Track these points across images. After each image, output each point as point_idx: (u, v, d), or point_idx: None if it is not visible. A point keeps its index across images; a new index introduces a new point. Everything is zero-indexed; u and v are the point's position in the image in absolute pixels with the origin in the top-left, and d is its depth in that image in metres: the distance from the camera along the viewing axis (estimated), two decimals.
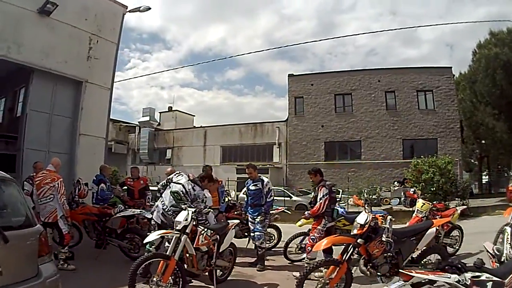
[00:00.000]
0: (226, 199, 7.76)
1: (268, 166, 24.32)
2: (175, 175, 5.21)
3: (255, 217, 6.07)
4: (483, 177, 31.75)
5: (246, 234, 6.85)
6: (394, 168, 25.39)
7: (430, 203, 6.69)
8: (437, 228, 5.09)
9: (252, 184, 6.19)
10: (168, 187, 5.11)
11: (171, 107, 29.48)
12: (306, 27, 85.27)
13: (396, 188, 22.50)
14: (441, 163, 13.16)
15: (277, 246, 7.42)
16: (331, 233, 5.90)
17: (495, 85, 18.93)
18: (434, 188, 12.63)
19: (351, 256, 4.09)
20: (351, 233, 4.29)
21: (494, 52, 19.09)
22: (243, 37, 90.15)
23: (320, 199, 5.35)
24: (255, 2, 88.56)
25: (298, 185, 24.41)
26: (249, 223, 6.25)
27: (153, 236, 4.23)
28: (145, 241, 4.40)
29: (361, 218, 4.19)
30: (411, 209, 10.31)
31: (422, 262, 4.52)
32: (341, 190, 16.71)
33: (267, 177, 6.55)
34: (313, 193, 6.03)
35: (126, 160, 27.05)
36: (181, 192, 4.93)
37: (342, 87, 25.82)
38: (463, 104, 24.07)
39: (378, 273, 4.12)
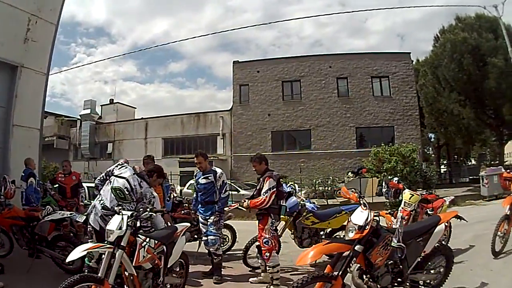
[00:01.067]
0: (172, 196, 6.66)
1: (212, 158, 23.02)
2: (117, 166, 4.12)
3: (207, 217, 5.06)
4: (441, 166, 30.54)
5: (196, 236, 5.81)
6: (347, 158, 24.17)
7: (419, 194, 5.64)
8: (446, 224, 4.01)
9: (202, 177, 5.12)
10: (108, 181, 3.99)
11: (112, 100, 28.26)
12: (251, 19, 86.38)
13: (350, 179, 21.43)
14: (405, 151, 12.40)
15: (232, 248, 6.47)
16: (300, 232, 5.37)
17: (462, 70, 18.01)
18: (397, 178, 11.89)
19: (347, 268, 3.05)
20: (345, 238, 3.20)
21: (462, 37, 18.19)
22: (187, 30, 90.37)
23: (266, 192, 4.38)
24: None
25: (244, 178, 23.14)
26: (200, 224, 5.23)
27: (75, 254, 2.99)
28: (67, 260, 3.14)
29: (359, 217, 3.14)
30: (393, 200, 9.11)
31: (426, 267, 3.68)
32: (296, 184, 15.28)
33: (220, 168, 5.37)
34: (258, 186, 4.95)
35: (68, 156, 25.70)
36: (125, 189, 3.85)
37: (290, 73, 24.57)
38: (425, 90, 23.03)
39: (378, 286, 3.21)
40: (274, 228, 4.50)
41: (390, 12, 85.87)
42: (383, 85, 25.46)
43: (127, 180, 3.87)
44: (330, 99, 24.57)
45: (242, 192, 17.30)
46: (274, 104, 24.12)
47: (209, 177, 5.05)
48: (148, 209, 3.42)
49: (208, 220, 5.01)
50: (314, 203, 5.90)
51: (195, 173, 5.41)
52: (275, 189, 4.40)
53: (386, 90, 25.41)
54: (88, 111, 25.57)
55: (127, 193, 3.82)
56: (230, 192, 18.00)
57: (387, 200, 9.01)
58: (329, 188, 16.09)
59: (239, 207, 5.04)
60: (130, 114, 27.90)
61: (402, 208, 5.19)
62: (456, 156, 29.54)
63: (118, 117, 26.44)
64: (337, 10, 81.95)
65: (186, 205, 6.51)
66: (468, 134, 23.67)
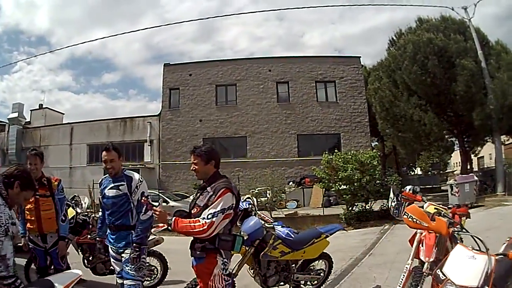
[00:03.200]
0: (72, 213, 4.94)
1: (139, 166, 21.41)
2: None
3: (120, 250, 3.37)
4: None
5: (112, 268, 3.97)
6: (287, 167, 22.57)
7: (447, 208, 4.35)
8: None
9: (110, 187, 3.42)
10: None
11: (42, 105, 26.94)
12: (187, 31, 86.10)
13: (292, 189, 19.86)
14: (364, 158, 11.01)
15: (164, 281, 4.87)
16: (265, 269, 3.80)
17: (425, 73, 16.56)
18: (353, 188, 10.73)
19: None
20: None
21: (427, 38, 16.88)
22: (123, 41, 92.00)
23: (214, 214, 2.54)
24: (141, 6, 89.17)
25: (174, 188, 21.48)
26: (112, 260, 3.50)
27: None
28: None
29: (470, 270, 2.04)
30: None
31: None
32: (254, 198, 13.47)
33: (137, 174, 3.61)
34: (192, 197, 3.46)
35: None
36: None
37: (225, 77, 23.12)
38: (380, 94, 21.65)
39: None
40: (226, 273, 2.67)
41: (328, 27, 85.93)
42: (329, 91, 24.09)
43: None
44: (269, 105, 23.11)
45: (171, 203, 15.83)
46: (206, 109, 22.60)
47: (120, 187, 3.35)
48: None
49: (123, 255, 3.33)
50: (287, 226, 4.19)
51: (100, 180, 3.65)
52: (231, 210, 2.61)
53: (332, 95, 24.02)
54: (15, 114, 24.11)
55: None
56: (160, 204, 17.15)
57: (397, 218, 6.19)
58: (274, 199, 14.35)
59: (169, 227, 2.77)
60: (58, 120, 26.46)
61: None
62: (400, 166, 27.96)
63: (46, 122, 25.08)
64: (275, 24, 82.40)
65: (93, 225, 5.03)
66: (427, 141, 22.01)
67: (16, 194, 2.45)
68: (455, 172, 33.24)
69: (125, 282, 3.27)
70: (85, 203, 5.76)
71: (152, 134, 22.33)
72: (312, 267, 4.25)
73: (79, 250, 5.07)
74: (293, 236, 3.91)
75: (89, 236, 4.96)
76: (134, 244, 3.24)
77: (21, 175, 2.49)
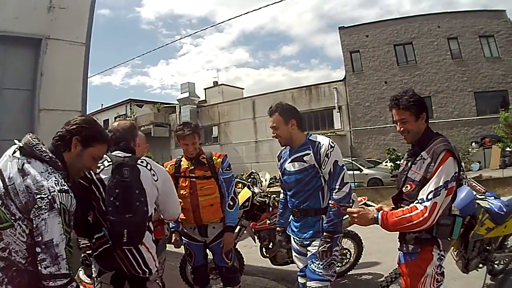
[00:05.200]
0: (247, 194, 4.16)
1: (329, 134, 20.22)
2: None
3: (305, 242, 2.54)
4: None
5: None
6: (469, 126, 21.84)
7: None
8: None
9: (291, 158, 2.55)
10: None
11: (216, 82, 25.65)
12: None
13: (475, 150, 19.19)
14: None
15: (358, 263, 4.28)
16: (470, 251, 3.06)
17: None
18: None
19: None
20: None
21: None
22: (293, 13, 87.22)
23: (434, 192, 1.79)
24: None
25: (366, 154, 20.43)
26: (294, 254, 2.68)
27: None
28: None
29: None
30: None
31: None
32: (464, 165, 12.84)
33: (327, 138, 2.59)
34: (401, 164, 2.30)
35: (169, 144, 23.50)
36: None
37: (400, 36, 22.05)
38: None
39: None
40: (441, 271, 1.94)
41: None
42: (491, 46, 23.52)
43: None
44: (445, 62, 22.19)
45: (365, 171, 14.98)
46: (389, 70, 21.57)
47: (305, 158, 2.45)
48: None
49: (308, 249, 2.51)
50: (498, 196, 3.35)
51: (278, 153, 2.75)
52: (454, 182, 1.85)
53: (495, 50, 23.47)
54: (186, 94, 23.16)
55: None
56: (353, 172, 14.64)
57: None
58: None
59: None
60: (237, 96, 25.63)
61: None
62: None
63: (225, 99, 23.99)
64: None
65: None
66: None
67: (78, 156, 1.67)
68: None
69: (308, 283, 2.44)
70: (266, 180, 4.64)
71: (340, 100, 21.08)
72: (506, 244, 3.49)
73: (255, 237, 4.27)
74: (504, 209, 3.13)
75: (268, 221, 4.11)
76: (325, 234, 2.38)
77: (79, 127, 1.68)
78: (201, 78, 76.33)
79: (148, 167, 2.11)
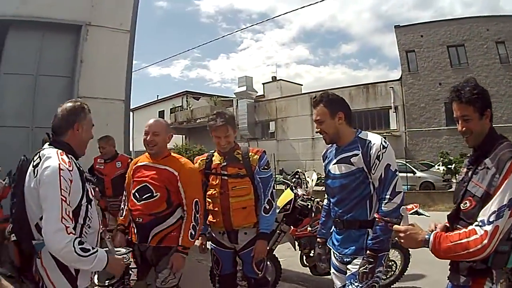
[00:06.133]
0: (289, 196, 3.97)
1: (385, 134, 19.95)
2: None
3: (345, 259, 2.17)
4: None
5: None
6: None
7: None
8: None
9: (337, 159, 2.19)
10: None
11: (275, 77, 24.98)
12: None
13: None
14: None
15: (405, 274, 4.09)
16: None
17: None
18: None
19: None
20: None
21: None
22: (352, 11, 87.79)
23: (500, 210, 1.40)
24: None
25: (420, 157, 20.21)
26: (332, 270, 2.30)
27: None
28: None
29: None
30: None
31: None
32: None
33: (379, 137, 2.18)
34: (460, 172, 1.79)
35: None
36: None
37: (453, 37, 22.04)
38: None
39: None
40: None
41: None
42: None
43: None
44: (495, 66, 22.31)
45: (418, 174, 14.80)
46: (443, 71, 21.53)
47: (353, 159, 2.08)
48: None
49: (348, 267, 2.14)
50: None
51: (324, 152, 2.40)
52: None
53: None
54: (243, 88, 22.58)
55: None
56: (406, 174, 14.70)
57: None
58: None
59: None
60: (296, 92, 25.50)
61: None
62: None
63: (283, 94, 23.61)
64: None
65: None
66: None
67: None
68: None
69: None
70: (312, 180, 4.30)
71: (396, 100, 20.79)
72: None
73: (295, 244, 4.03)
74: None
75: (309, 227, 3.82)
76: (368, 252, 2.01)
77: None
78: (262, 73, 78.33)
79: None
